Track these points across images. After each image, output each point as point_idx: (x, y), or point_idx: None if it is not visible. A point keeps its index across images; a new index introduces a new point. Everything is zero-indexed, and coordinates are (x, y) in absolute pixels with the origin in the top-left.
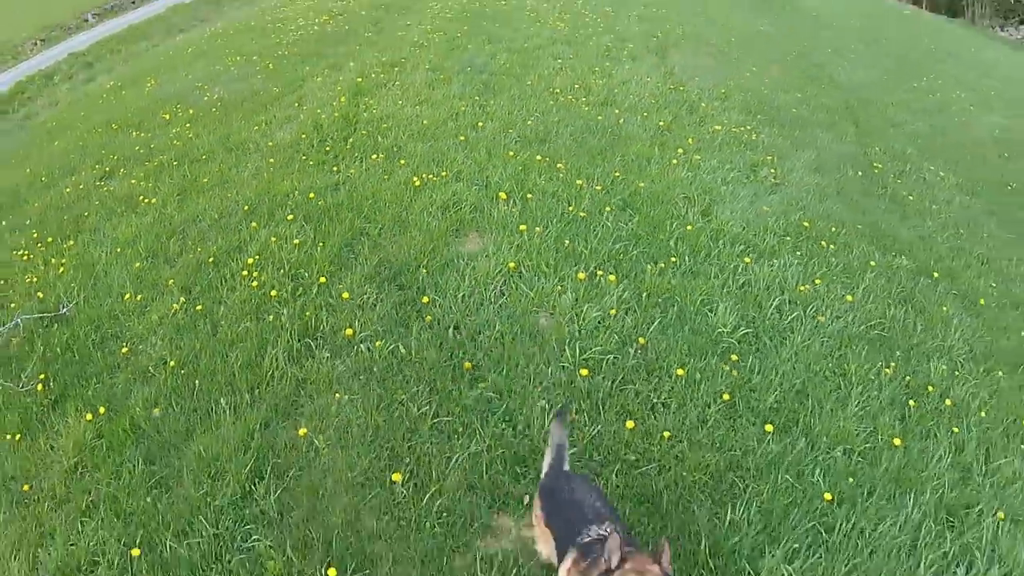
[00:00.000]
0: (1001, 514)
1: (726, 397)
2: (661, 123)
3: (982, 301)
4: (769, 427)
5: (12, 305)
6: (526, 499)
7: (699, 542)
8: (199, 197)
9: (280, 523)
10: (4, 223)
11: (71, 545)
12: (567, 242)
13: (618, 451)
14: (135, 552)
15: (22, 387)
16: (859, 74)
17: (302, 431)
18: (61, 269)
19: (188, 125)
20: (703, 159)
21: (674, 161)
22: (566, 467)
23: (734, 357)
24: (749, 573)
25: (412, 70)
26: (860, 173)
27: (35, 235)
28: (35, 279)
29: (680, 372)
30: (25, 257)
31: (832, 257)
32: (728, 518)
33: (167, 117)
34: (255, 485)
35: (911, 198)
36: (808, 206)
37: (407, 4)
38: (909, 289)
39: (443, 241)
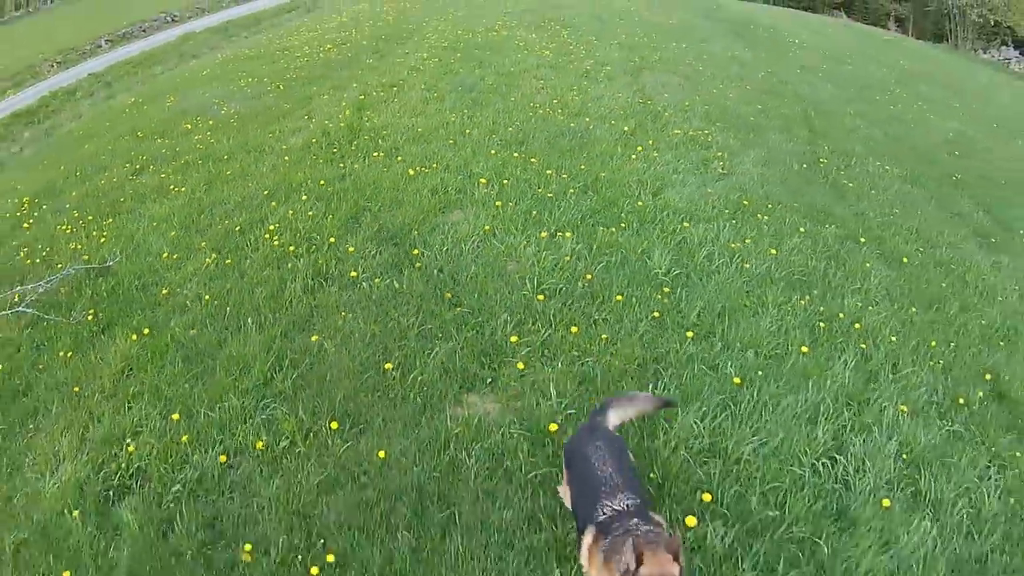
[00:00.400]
0: (904, 407)
1: (656, 315)
2: (626, 128)
3: (905, 259)
4: (690, 333)
5: (59, 265)
6: None
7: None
8: (223, 186)
9: (294, 398)
10: (45, 207)
11: (117, 421)
12: (534, 213)
13: (565, 349)
14: (175, 417)
15: (72, 319)
16: (824, 90)
17: (314, 337)
18: (103, 239)
19: (209, 133)
20: (659, 155)
21: (633, 156)
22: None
23: (666, 289)
24: (666, 426)
25: (409, 89)
26: (805, 166)
27: (76, 215)
28: (79, 246)
29: (619, 298)
30: (68, 231)
31: (764, 224)
32: (651, 391)
33: (189, 127)
34: (275, 374)
35: (851, 185)
36: (749, 190)
37: (405, 35)
38: (835, 249)
39: (432, 214)
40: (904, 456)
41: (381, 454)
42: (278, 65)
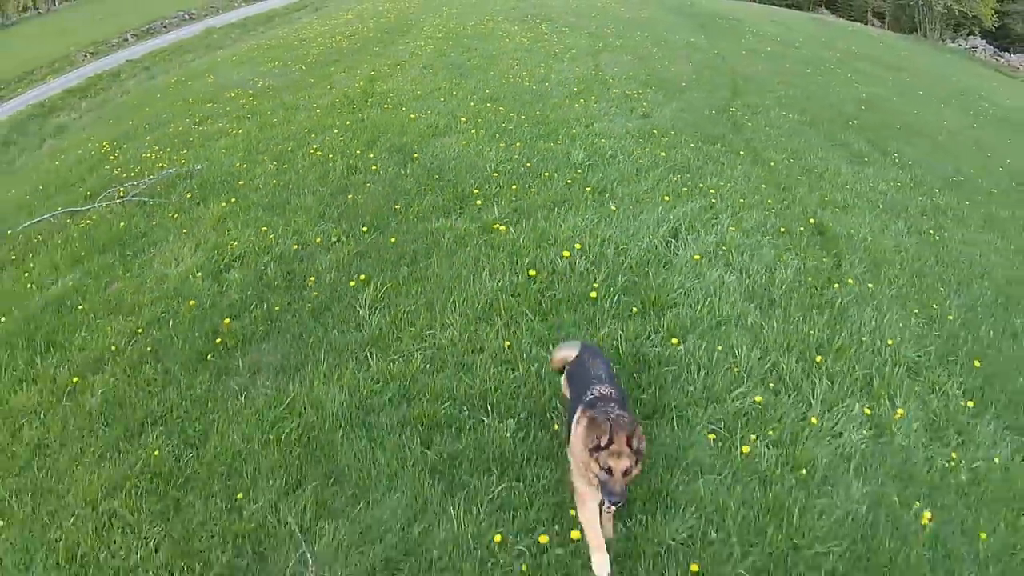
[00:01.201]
0: (734, 227)
1: (568, 182)
2: (576, 89)
3: (772, 163)
4: (588, 189)
5: (150, 175)
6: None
7: (534, 220)
8: (271, 129)
9: (338, 221)
10: (126, 146)
11: (220, 238)
12: (497, 136)
13: (508, 197)
14: (263, 228)
15: (174, 199)
16: (760, 65)
17: (349, 196)
18: (183, 160)
19: (251, 98)
20: (597, 105)
21: (576, 105)
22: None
23: (579, 171)
24: (560, 223)
25: (409, 68)
26: (715, 112)
27: (156, 147)
28: (165, 164)
29: (546, 175)
30: (153, 156)
31: (662, 141)
32: (557, 221)
33: (232, 95)
34: (325, 211)
35: (750, 124)
36: (660, 125)
37: (405, 29)
38: (715, 156)
39: (426, 139)
40: (723, 246)
41: (392, 239)
42: (298, 52)
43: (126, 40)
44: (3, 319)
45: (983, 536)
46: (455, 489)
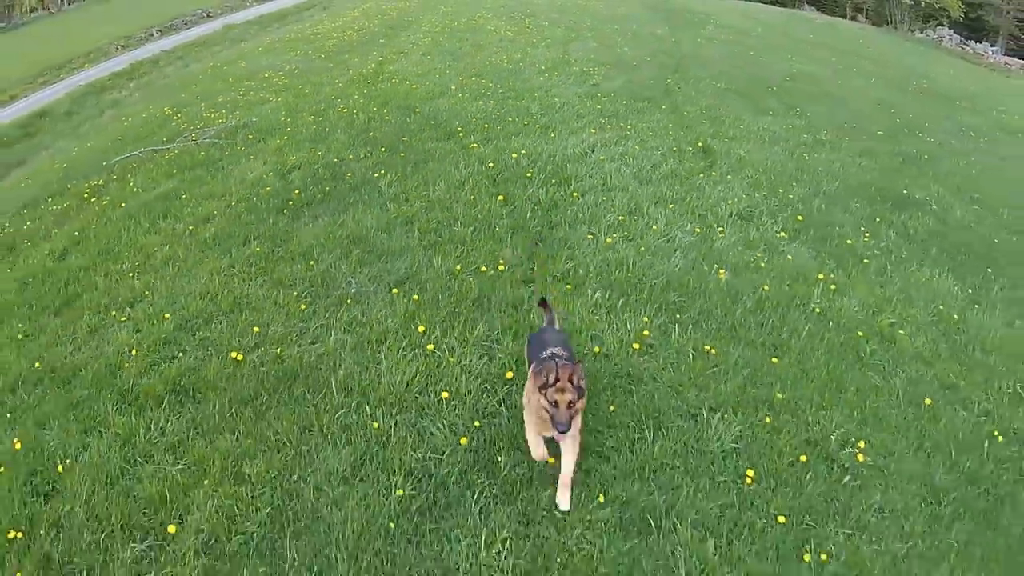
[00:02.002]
0: (637, 146)
1: (525, 123)
2: (544, 67)
3: (685, 113)
4: (539, 126)
5: (213, 127)
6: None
7: (497, 142)
8: (305, 97)
9: (364, 144)
10: (184, 111)
11: (281, 158)
12: (478, 98)
13: (481, 130)
14: (312, 149)
15: (238, 140)
16: (711, 51)
17: (371, 133)
18: (238, 117)
19: (283, 77)
20: (558, 78)
21: (541, 79)
22: (551, 327)
23: (533, 117)
24: (517, 144)
25: (411, 54)
26: (653, 83)
27: (212, 110)
28: (224, 120)
29: (510, 120)
30: (211, 115)
31: (603, 100)
32: (512, 152)
33: (267, 75)
34: (352, 142)
35: (679, 90)
36: (605, 91)
37: (406, 25)
38: (641, 109)
39: (425, 101)
40: (624, 155)
41: (401, 155)
42: (315, 44)
43: (151, 35)
44: (124, 205)
45: (765, 288)
46: (438, 249)
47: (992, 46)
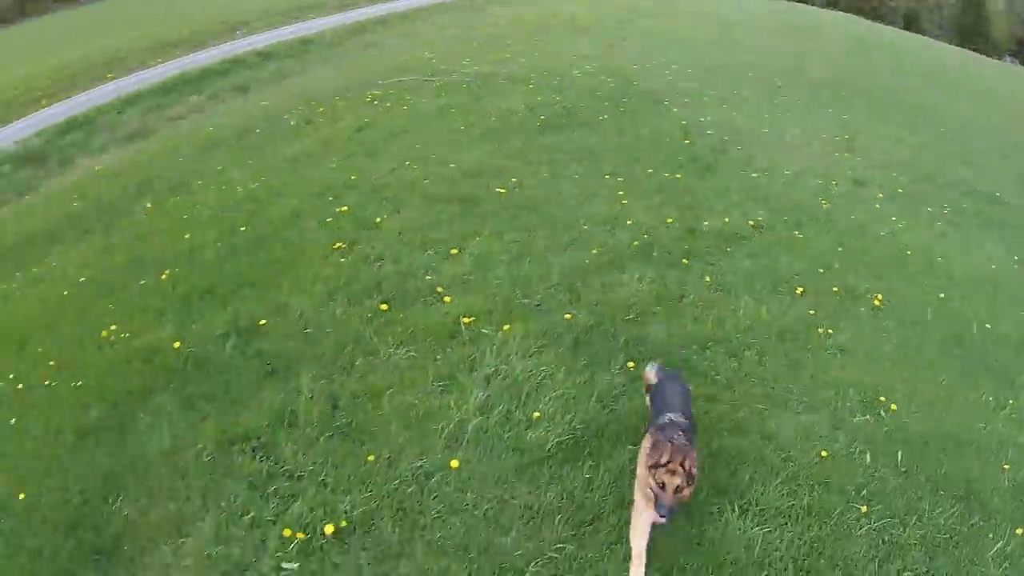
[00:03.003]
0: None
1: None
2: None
3: (635, 83)
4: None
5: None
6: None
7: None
8: (545, 59)
9: (598, 106)
10: (443, 55)
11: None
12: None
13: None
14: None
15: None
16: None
17: (598, 92)
18: (496, 58)
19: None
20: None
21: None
22: (675, 377)
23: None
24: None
25: (631, 41)
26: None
27: (467, 57)
28: (478, 67)
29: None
30: (467, 61)
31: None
32: None
33: (509, 43)
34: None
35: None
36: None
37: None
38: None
39: (644, 79)
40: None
41: (621, 109)
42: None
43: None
44: (405, 107)
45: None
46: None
47: None
